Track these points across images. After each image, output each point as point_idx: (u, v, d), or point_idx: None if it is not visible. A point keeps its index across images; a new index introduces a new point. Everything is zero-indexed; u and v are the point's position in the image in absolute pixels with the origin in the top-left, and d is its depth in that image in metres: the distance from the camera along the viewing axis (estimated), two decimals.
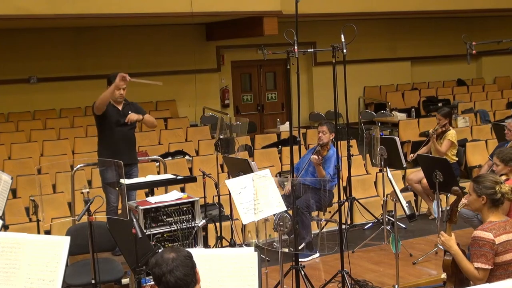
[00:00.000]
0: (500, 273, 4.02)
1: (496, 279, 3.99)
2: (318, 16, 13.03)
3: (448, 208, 5.22)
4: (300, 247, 6.54)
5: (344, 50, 6.22)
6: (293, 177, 6.58)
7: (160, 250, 3.32)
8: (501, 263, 4.02)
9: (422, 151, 8.45)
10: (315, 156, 6.80)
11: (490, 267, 4.00)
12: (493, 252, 3.99)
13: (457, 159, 8.30)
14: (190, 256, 2.98)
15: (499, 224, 4.08)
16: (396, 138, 8.17)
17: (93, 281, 4.55)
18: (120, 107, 6.79)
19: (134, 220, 4.41)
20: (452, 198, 4.54)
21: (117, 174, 6.32)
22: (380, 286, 6.02)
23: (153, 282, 5.37)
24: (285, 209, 5.24)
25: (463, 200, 4.66)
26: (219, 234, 6.71)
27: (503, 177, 5.45)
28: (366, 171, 9.28)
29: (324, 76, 12.20)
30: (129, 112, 6.78)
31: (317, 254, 6.81)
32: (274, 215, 5.15)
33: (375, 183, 8.89)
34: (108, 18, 11.01)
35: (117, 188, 6.21)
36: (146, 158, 8.89)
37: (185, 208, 5.93)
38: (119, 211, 6.51)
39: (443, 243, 4.25)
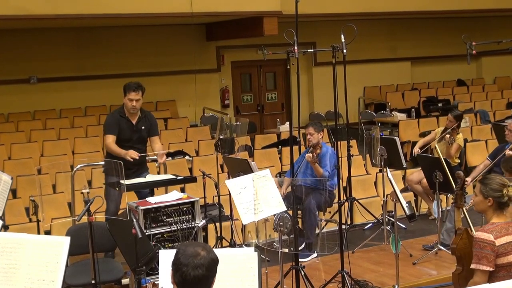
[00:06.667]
0: (502, 274, 4.00)
1: (499, 281, 3.97)
2: (318, 16, 13.03)
3: (448, 208, 5.23)
4: (300, 248, 6.54)
5: (344, 50, 6.21)
6: (293, 177, 6.59)
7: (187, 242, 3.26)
8: (502, 264, 4.00)
9: (419, 145, 8.47)
10: (310, 154, 6.84)
11: (491, 269, 3.98)
12: (494, 254, 3.98)
13: (459, 161, 8.33)
14: (216, 263, 2.95)
15: (501, 226, 4.06)
16: (396, 138, 8.18)
17: (93, 281, 4.55)
18: (134, 120, 6.57)
19: (134, 220, 4.41)
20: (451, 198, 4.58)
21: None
22: (380, 286, 6.02)
23: (153, 281, 5.39)
24: (285, 209, 5.24)
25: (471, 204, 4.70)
26: (219, 234, 6.71)
27: None
28: (366, 171, 9.28)
29: (324, 76, 12.18)
30: (143, 127, 6.60)
31: (315, 254, 6.80)
32: (274, 215, 5.15)
33: (375, 183, 8.89)
34: (108, 18, 11.01)
35: (117, 189, 6.20)
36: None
37: (185, 209, 5.93)
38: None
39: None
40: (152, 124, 6.74)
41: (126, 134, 6.52)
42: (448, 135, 8.06)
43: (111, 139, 6.46)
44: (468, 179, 6.94)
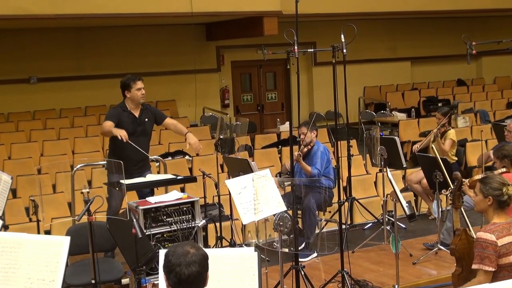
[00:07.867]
0: (503, 274, 3.99)
1: (500, 281, 3.97)
2: (318, 16, 13.04)
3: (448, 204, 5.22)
4: (300, 248, 6.54)
5: (344, 50, 6.21)
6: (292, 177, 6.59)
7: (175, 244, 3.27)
8: (504, 265, 4.00)
9: (416, 147, 8.48)
10: (295, 153, 6.84)
11: (494, 269, 3.98)
12: (496, 254, 3.97)
13: (456, 159, 8.32)
14: (207, 259, 2.96)
15: (502, 226, 4.06)
16: (396, 138, 8.19)
17: (93, 281, 4.55)
18: (137, 114, 6.58)
19: (134, 220, 4.41)
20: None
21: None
22: (380, 286, 6.02)
23: (153, 282, 5.39)
24: (285, 209, 5.24)
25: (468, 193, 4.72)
26: (219, 234, 6.71)
27: (503, 169, 5.49)
28: (366, 171, 9.28)
29: (324, 76, 12.20)
30: (146, 119, 6.61)
31: (315, 254, 6.80)
32: (274, 215, 5.15)
33: (375, 183, 8.89)
34: (108, 18, 11.01)
35: (117, 189, 6.21)
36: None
37: (185, 208, 5.93)
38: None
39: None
40: (156, 113, 6.82)
41: (130, 128, 6.49)
42: (435, 130, 8.11)
43: (109, 123, 6.45)
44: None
